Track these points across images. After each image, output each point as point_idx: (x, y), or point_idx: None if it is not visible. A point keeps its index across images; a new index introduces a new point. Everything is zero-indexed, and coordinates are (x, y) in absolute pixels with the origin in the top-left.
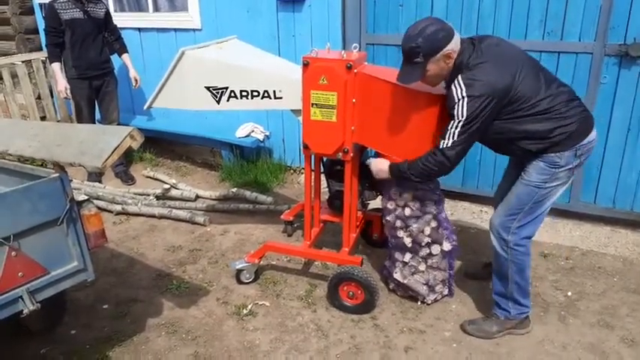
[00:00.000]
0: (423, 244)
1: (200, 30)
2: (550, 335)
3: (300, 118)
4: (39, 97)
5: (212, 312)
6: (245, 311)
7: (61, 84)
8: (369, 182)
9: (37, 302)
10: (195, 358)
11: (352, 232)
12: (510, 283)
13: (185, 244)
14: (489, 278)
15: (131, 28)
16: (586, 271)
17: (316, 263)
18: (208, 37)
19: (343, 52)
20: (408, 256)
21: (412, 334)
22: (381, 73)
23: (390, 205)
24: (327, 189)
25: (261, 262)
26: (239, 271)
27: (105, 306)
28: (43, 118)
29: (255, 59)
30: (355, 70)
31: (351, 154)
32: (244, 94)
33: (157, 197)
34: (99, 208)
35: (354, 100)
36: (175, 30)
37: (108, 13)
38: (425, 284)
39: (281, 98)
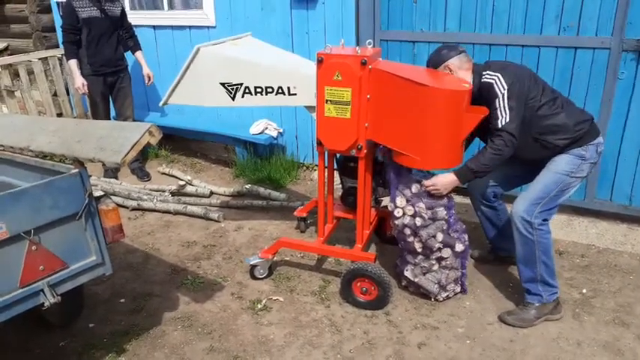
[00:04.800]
0: (435, 248)
1: (214, 27)
2: (564, 332)
3: (314, 115)
4: (55, 94)
5: (227, 306)
6: (259, 306)
7: (79, 81)
8: (382, 179)
9: (57, 295)
10: (211, 351)
11: (366, 228)
12: (538, 264)
13: (200, 239)
14: (496, 262)
15: (146, 26)
16: (602, 268)
17: (330, 259)
18: (222, 34)
19: (358, 48)
20: (419, 258)
21: (425, 330)
22: (396, 69)
23: (398, 214)
24: (340, 185)
25: (275, 258)
26: (253, 267)
27: (122, 300)
28: (59, 115)
29: (270, 56)
30: (370, 66)
31: (365, 151)
32: (259, 90)
33: (172, 193)
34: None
35: (368, 97)
36: (190, 27)
37: (123, 12)
38: (436, 283)
39: (295, 94)
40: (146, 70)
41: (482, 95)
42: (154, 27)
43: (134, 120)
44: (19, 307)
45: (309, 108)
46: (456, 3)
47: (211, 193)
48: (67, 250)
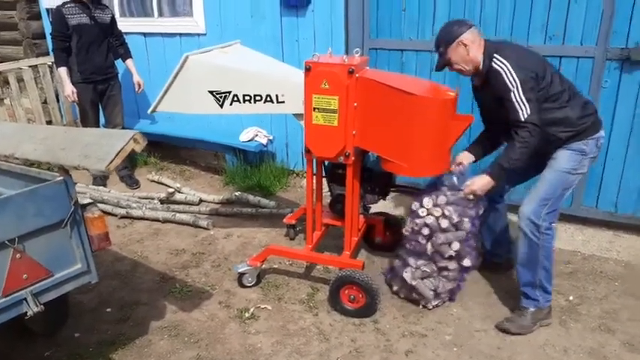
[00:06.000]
0: (446, 255)
1: (204, 34)
2: (551, 339)
3: (302, 123)
4: (45, 102)
5: (214, 315)
6: (247, 315)
7: (68, 88)
8: (370, 186)
9: (40, 304)
10: None
11: (354, 235)
12: (539, 269)
13: (188, 247)
14: (483, 269)
15: (136, 33)
16: (587, 275)
17: (318, 267)
18: (212, 41)
19: (345, 56)
20: (421, 262)
21: (413, 338)
22: (382, 77)
23: (422, 213)
24: (329, 193)
25: (264, 266)
26: (241, 275)
27: (108, 309)
28: (49, 123)
29: (258, 64)
30: (357, 75)
31: (353, 158)
32: (247, 98)
33: (161, 201)
34: (103, 211)
35: (355, 104)
36: (180, 35)
37: (113, 19)
38: (432, 290)
39: (283, 102)
40: (136, 78)
41: (490, 80)
42: (145, 34)
43: (124, 127)
44: (1, 317)
45: (298, 116)
46: (444, 11)
47: (200, 200)
48: (52, 259)
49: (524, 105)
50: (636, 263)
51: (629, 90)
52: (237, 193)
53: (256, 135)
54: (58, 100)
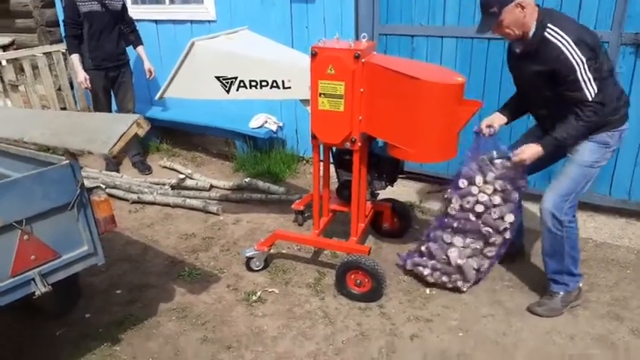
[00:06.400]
0: (501, 229)
1: (215, 21)
2: (558, 326)
3: (309, 108)
4: (59, 89)
5: (222, 298)
6: (254, 298)
7: (81, 75)
8: (378, 172)
9: (48, 285)
10: (205, 342)
11: (361, 221)
12: (566, 258)
13: (198, 232)
14: None
15: (148, 20)
16: (599, 262)
17: (325, 252)
18: (223, 28)
19: (351, 41)
20: (469, 240)
21: (418, 323)
22: (389, 62)
23: (474, 190)
24: (336, 179)
25: (272, 251)
26: (249, 259)
27: (118, 291)
28: (63, 109)
29: (265, 49)
30: (363, 60)
31: (359, 144)
32: (253, 83)
33: (172, 187)
34: (115, 197)
35: (361, 90)
36: (191, 22)
37: (124, 6)
38: (475, 269)
39: (290, 88)
40: (147, 65)
41: (542, 51)
42: (156, 21)
43: (135, 114)
44: (10, 296)
45: (304, 101)
46: None
47: (211, 186)
48: (59, 240)
49: (590, 84)
50: None
51: None
52: (247, 180)
53: (266, 122)
54: (72, 87)
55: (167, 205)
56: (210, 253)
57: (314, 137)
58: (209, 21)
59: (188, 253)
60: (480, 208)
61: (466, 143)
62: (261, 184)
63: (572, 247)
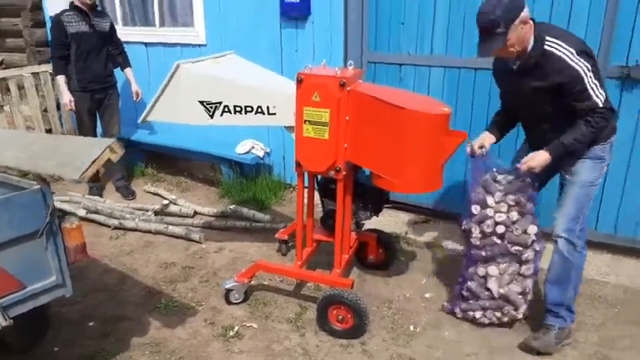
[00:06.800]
0: (529, 243)
1: (205, 45)
2: None
3: (294, 135)
4: (45, 110)
5: (198, 332)
6: (231, 333)
7: (66, 97)
8: (363, 202)
9: (9, 318)
10: None
11: (345, 252)
12: (570, 289)
13: (179, 261)
14: None
15: (138, 43)
16: (586, 299)
17: (308, 284)
18: (213, 52)
19: (337, 69)
20: (504, 265)
21: None
22: (375, 91)
23: (490, 212)
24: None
25: (253, 282)
26: (228, 291)
27: (91, 323)
28: (48, 131)
29: (251, 74)
30: (349, 88)
31: (344, 173)
32: (238, 109)
33: (156, 213)
34: (97, 222)
35: (347, 118)
36: (181, 45)
37: (112, 27)
38: (520, 293)
39: (275, 114)
40: (135, 87)
41: (544, 65)
42: (146, 44)
43: (120, 137)
44: None
45: (289, 128)
46: (443, 25)
47: (195, 213)
48: (25, 270)
49: (598, 90)
50: (635, 288)
51: (630, 109)
52: (231, 207)
53: (253, 147)
54: (58, 109)
55: (149, 231)
56: (189, 283)
57: (298, 165)
58: (199, 45)
59: (166, 284)
60: (501, 229)
61: (452, 174)
62: (245, 211)
63: (577, 278)
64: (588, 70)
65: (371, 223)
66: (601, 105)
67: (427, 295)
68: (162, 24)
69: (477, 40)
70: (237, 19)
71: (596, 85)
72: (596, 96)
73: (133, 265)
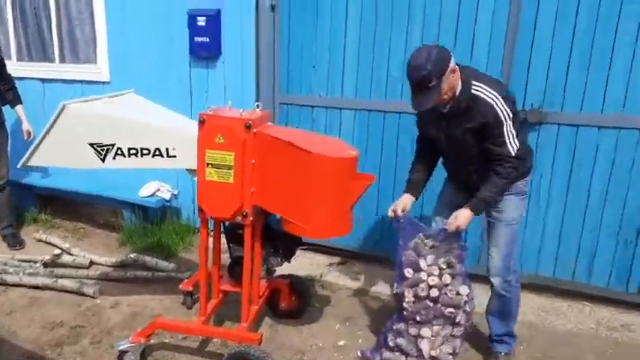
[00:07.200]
0: (462, 304)
1: (109, 83)
2: None
3: (196, 179)
4: None
5: None
6: None
7: None
8: (274, 247)
9: None
10: None
11: (254, 303)
12: (512, 319)
13: (67, 319)
14: None
15: (34, 79)
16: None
17: (215, 340)
18: (117, 90)
19: (242, 110)
20: (437, 327)
21: None
22: (283, 133)
23: (424, 276)
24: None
25: (153, 341)
26: (122, 353)
27: None
28: None
29: (149, 114)
30: (255, 130)
31: (251, 218)
32: (133, 151)
33: (45, 264)
34: None
35: (253, 161)
36: (82, 82)
37: (2, 62)
38: (451, 354)
39: (175, 157)
40: (26, 126)
41: (472, 110)
42: (43, 80)
43: (9, 180)
44: None
45: (191, 171)
46: (352, 69)
47: (91, 263)
48: None
49: (513, 140)
50: (540, 324)
51: None
52: (132, 255)
53: (158, 189)
54: None
55: (36, 287)
56: (78, 346)
57: (201, 211)
58: (102, 82)
59: (51, 347)
60: (435, 293)
61: (365, 216)
62: (148, 259)
63: (516, 307)
64: (509, 117)
65: (285, 266)
66: (512, 154)
67: (341, 343)
68: (62, 60)
69: (410, 93)
70: (144, 56)
71: (513, 135)
72: (511, 145)
73: (13, 326)
